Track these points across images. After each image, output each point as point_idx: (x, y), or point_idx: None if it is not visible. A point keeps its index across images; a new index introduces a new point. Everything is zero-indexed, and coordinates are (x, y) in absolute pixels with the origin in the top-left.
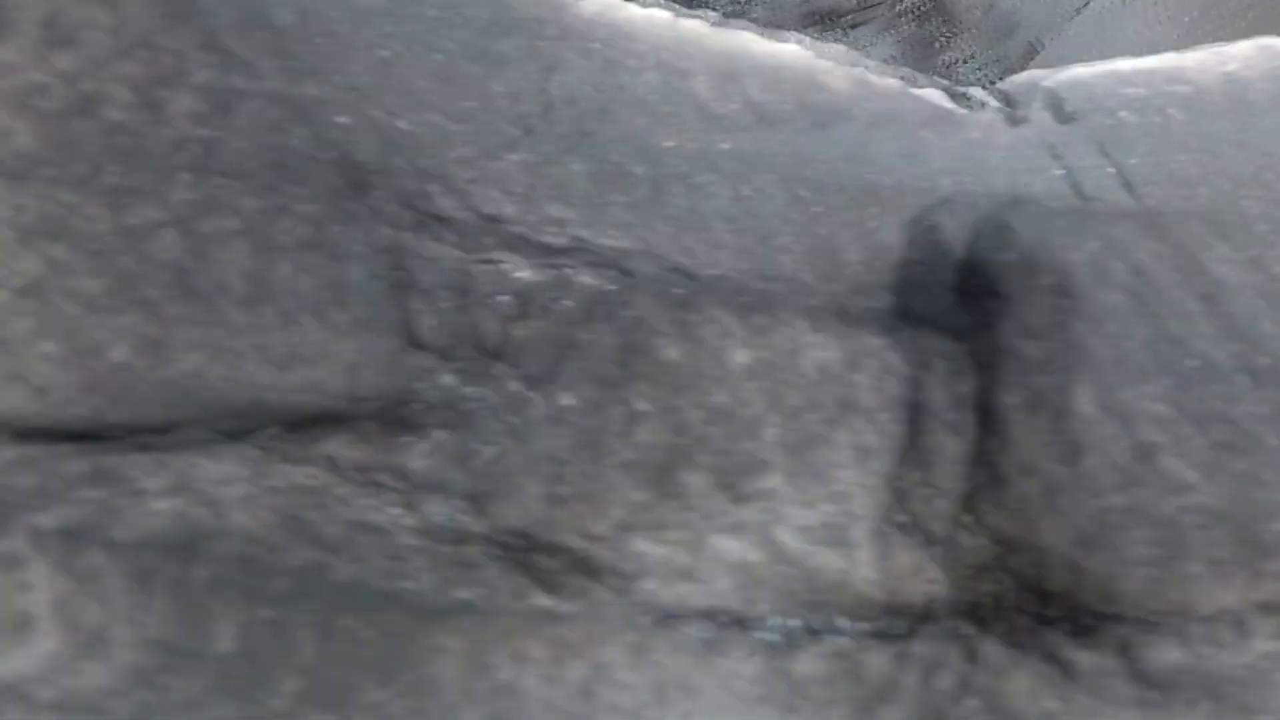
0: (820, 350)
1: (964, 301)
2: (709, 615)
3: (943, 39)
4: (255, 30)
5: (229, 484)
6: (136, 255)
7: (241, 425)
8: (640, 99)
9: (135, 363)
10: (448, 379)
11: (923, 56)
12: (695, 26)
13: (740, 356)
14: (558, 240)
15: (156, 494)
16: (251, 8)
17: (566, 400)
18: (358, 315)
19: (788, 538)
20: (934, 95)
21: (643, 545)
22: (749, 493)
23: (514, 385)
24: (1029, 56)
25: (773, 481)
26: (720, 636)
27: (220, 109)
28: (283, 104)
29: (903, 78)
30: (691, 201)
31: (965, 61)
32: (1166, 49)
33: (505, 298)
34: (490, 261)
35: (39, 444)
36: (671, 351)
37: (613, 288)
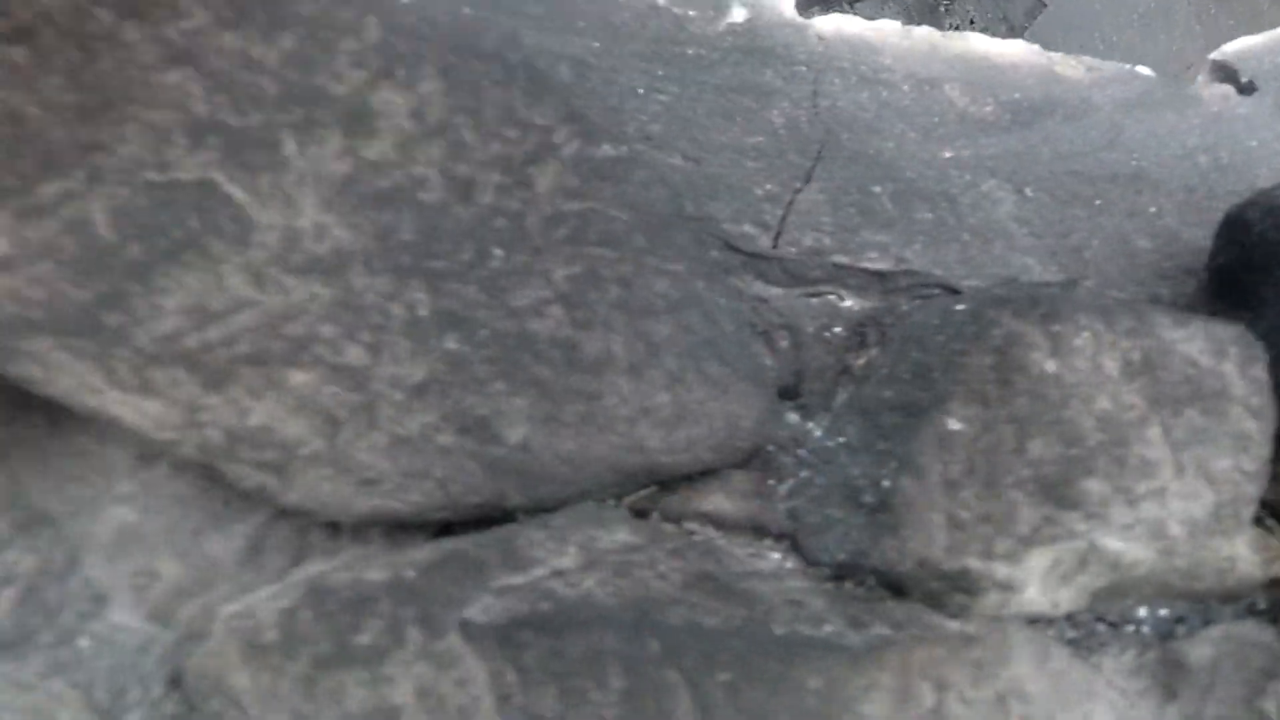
0: (1187, 344)
1: (1263, 279)
2: (1097, 616)
3: (946, 3)
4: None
5: (630, 551)
6: (525, 336)
7: (623, 491)
8: (904, 112)
9: (532, 442)
10: (794, 417)
11: (929, 24)
12: (926, 34)
13: (1112, 360)
14: (882, 265)
15: (573, 571)
16: (541, 72)
17: (953, 425)
18: (734, 367)
19: (1175, 531)
20: (1152, 73)
21: (1040, 558)
22: (1141, 493)
23: (866, 418)
24: (1032, 17)
25: (1162, 479)
26: (1104, 635)
27: (591, 178)
28: (636, 164)
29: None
30: (985, 211)
31: (969, 24)
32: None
33: (839, 329)
34: (818, 295)
35: (448, 538)
36: (1049, 364)
37: (961, 307)
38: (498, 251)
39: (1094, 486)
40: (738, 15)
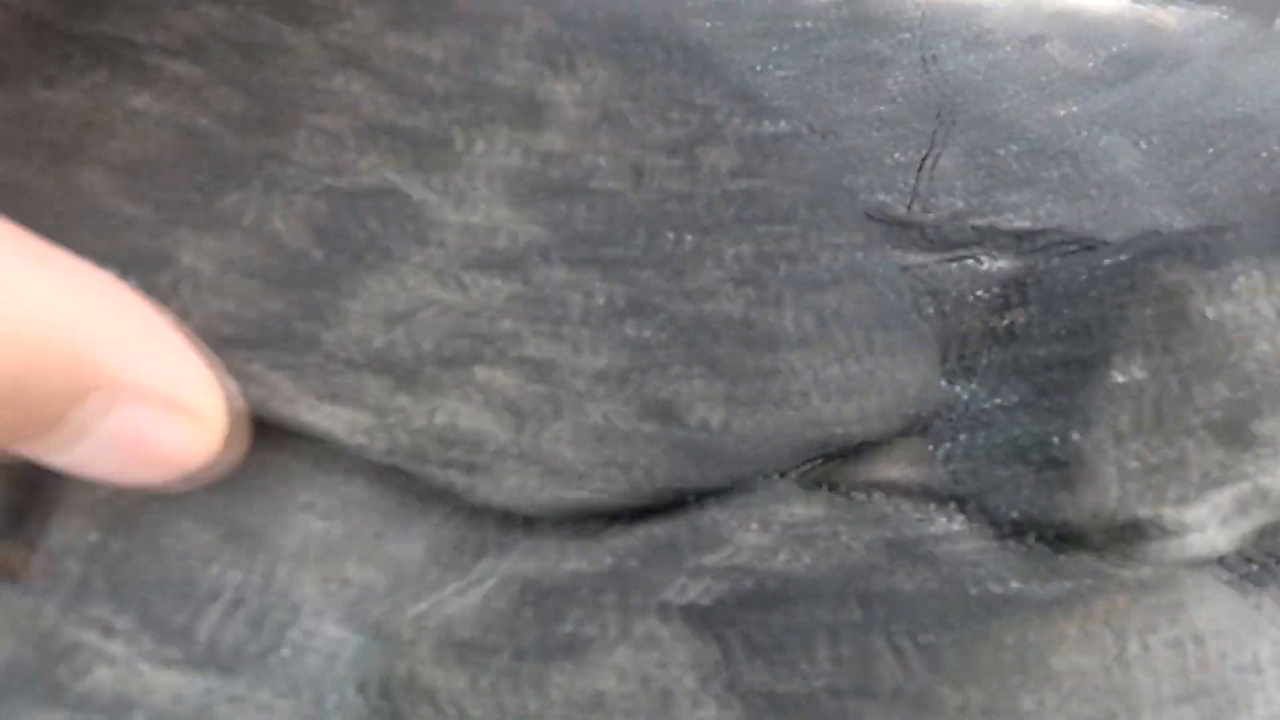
0: None
1: None
2: (1254, 556)
3: None
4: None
5: (810, 524)
6: (701, 318)
7: (797, 466)
8: (1013, 72)
9: (712, 422)
10: (944, 383)
11: None
12: None
13: (1269, 303)
14: (1020, 225)
15: (761, 548)
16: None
17: (1118, 378)
18: (898, 335)
19: None
20: (1243, 18)
21: (1209, 502)
22: None
23: (1022, 378)
24: None
25: None
26: (1261, 574)
27: (755, 155)
28: (796, 138)
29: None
30: (1108, 165)
31: None
32: None
33: (982, 292)
34: (959, 260)
35: (638, 524)
36: (1209, 311)
37: (1109, 261)
38: (670, 235)
39: (1262, 428)
40: None
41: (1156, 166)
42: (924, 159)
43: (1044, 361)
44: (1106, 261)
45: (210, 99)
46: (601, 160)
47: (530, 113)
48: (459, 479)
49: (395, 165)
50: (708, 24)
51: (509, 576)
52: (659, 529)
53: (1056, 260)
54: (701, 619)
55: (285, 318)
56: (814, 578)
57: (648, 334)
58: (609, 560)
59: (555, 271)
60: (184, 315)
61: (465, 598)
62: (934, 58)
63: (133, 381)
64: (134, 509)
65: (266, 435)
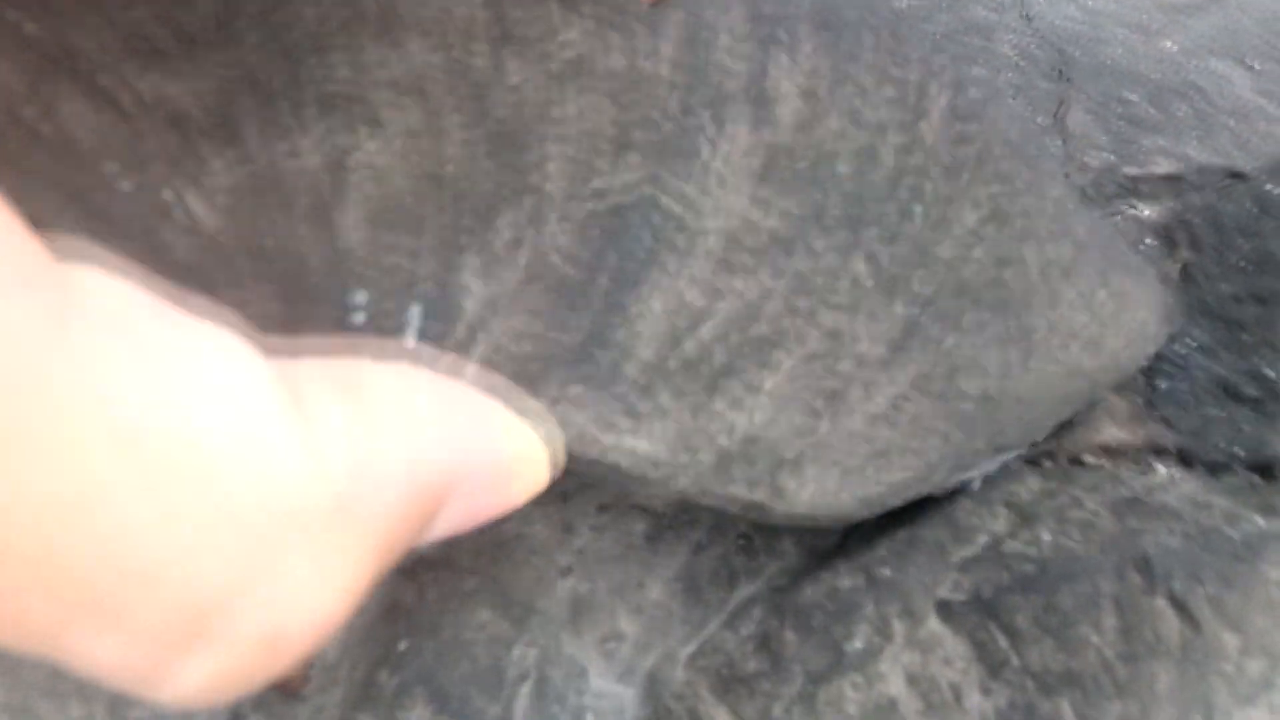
0: None
1: None
2: None
3: None
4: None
5: (1050, 497)
6: (959, 286)
7: (1065, 420)
8: (1112, 15)
9: (991, 390)
10: None
11: None
12: None
13: None
14: (1169, 168)
15: (1016, 530)
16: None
17: None
18: (1128, 275)
19: None
20: None
21: None
22: None
23: (1211, 317)
24: None
25: None
26: None
27: (970, 120)
28: (997, 101)
29: None
30: (1229, 91)
31: None
32: None
33: (1149, 240)
34: (1118, 212)
35: (899, 529)
36: None
37: (1277, 190)
38: (917, 209)
39: None
40: None
41: (1274, 84)
42: (1062, 118)
43: (1234, 297)
44: (1271, 189)
45: (446, 144)
46: (838, 145)
47: (763, 108)
48: (764, 495)
49: (651, 180)
50: (901, 3)
51: (777, 603)
52: (920, 530)
53: (1211, 194)
54: (984, 611)
55: (585, 346)
56: (1090, 552)
57: (917, 310)
58: (883, 570)
59: (821, 261)
60: (486, 363)
61: (735, 628)
62: (1033, 14)
63: (476, 471)
64: (433, 609)
65: (513, 513)
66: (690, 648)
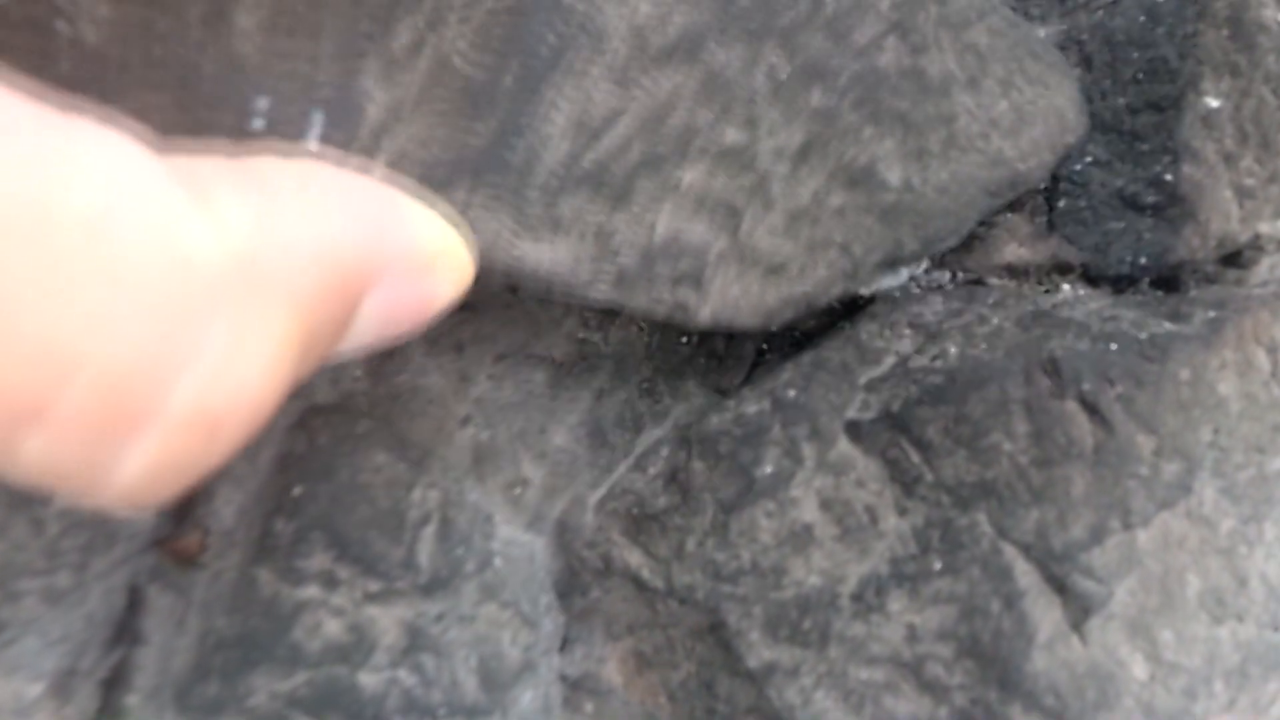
0: None
1: None
2: None
3: None
4: None
5: (956, 315)
6: (876, 73)
7: (992, 212)
8: None
9: (913, 180)
10: None
11: None
12: None
13: None
14: None
15: (925, 348)
16: None
17: (1211, 103)
18: (1044, 62)
19: None
20: None
21: None
22: None
23: (1108, 131)
24: None
25: None
26: None
27: None
28: None
29: None
30: None
31: None
32: None
33: None
34: None
35: (805, 352)
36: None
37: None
38: None
39: None
40: None
41: None
42: None
43: (1129, 108)
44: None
45: None
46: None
47: None
48: (688, 296)
49: None
50: None
51: (685, 438)
52: (825, 353)
53: (1101, 12)
54: (894, 427)
55: (493, 149)
56: (997, 359)
57: (834, 100)
58: (788, 392)
59: (733, 52)
60: (391, 168)
61: (643, 468)
62: None
63: (393, 261)
64: (326, 454)
65: (408, 363)
66: (599, 491)
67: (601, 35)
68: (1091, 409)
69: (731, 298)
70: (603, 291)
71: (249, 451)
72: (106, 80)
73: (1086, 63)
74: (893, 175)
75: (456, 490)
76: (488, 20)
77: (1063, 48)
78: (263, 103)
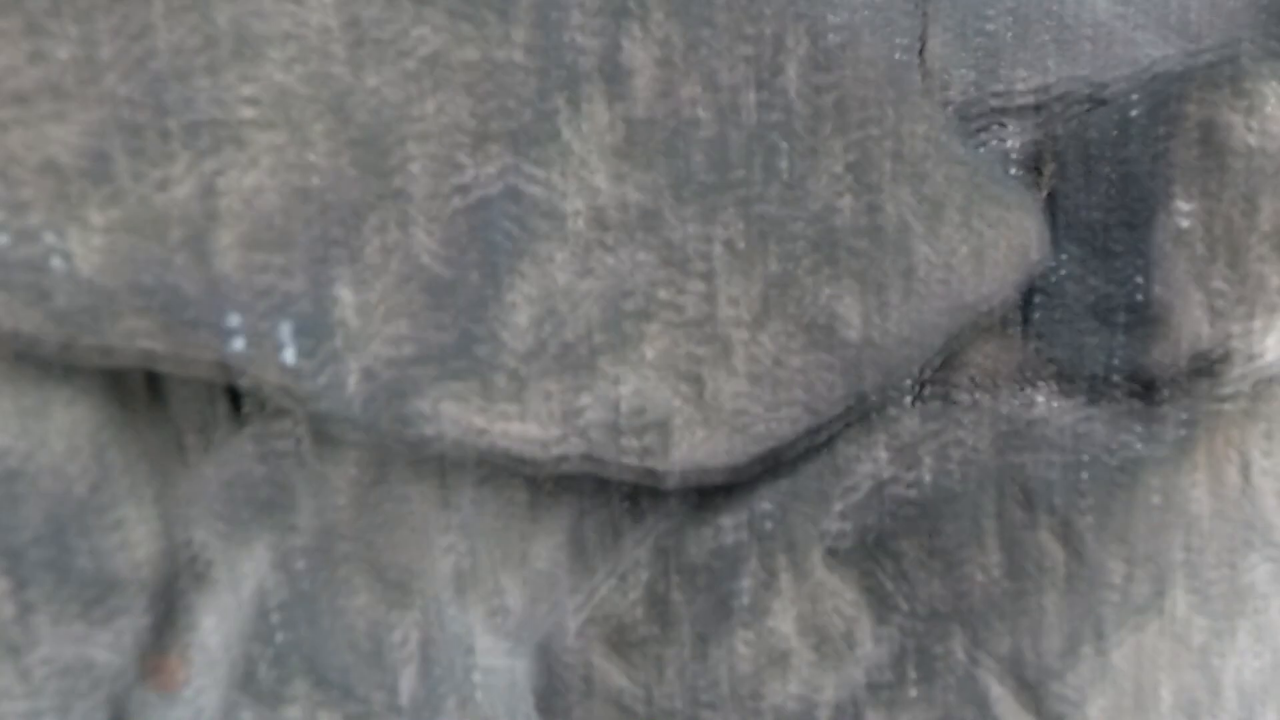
0: None
1: None
2: None
3: None
4: None
5: (931, 436)
6: (831, 232)
7: (952, 348)
8: None
9: (873, 330)
10: None
11: None
12: None
13: None
14: (1032, 94)
15: (898, 470)
16: None
17: (1182, 220)
18: (1002, 200)
19: None
20: None
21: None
22: None
23: (1080, 240)
24: None
25: None
26: None
27: (831, 66)
28: (859, 41)
29: None
30: (1087, 10)
31: None
32: None
33: (1013, 166)
34: (983, 141)
35: (779, 476)
36: (1250, 137)
37: (1136, 111)
38: (782, 163)
39: None
40: None
41: (1130, 2)
42: (923, 47)
43: (1100, 221)
44: (1133, 113)
45: (314, 158)
46: (698, 109)
47: (618, 81)
48: (654, 462)
49: (514, 168)
50: None
51: (662, 556)
52: (801, 479)
53: (1075, 121)
54: (870, 554)
55: (461, 344)
56: (970, 485)
57: (790, 263)
58: (766, 523)
59: (690, 226)
60: (364, 373)
61: (624, 591)
62: None
63: None
64: (309, 598)
65: (389, 489)
66: (581, 614)
67: (563, 220)
68: (1063, 534)
69: (699, 458)
70: (572, 464)
71: (232, 582)
72: (99, 310)
73: (1061, 169)
74: (853, 330)
75: (438, 622)
76: (453, 216)
77: (1038, 154)
78: (235, 319)
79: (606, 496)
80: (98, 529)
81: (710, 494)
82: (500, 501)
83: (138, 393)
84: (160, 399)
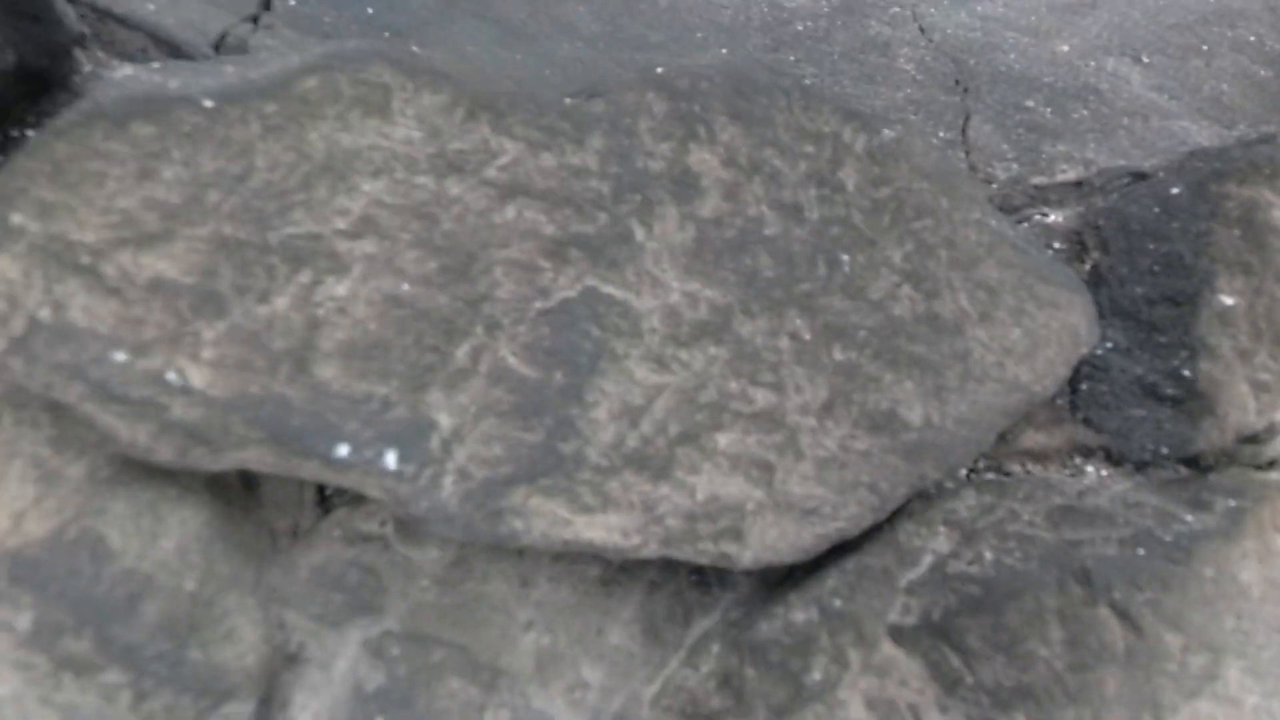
0: None
1: None
2: None
3: None
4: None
5: (988, 512)
6: (892, 323)
7: (1007, 430)
8: (1003, 19)
9: (933, 417)
10: None
11: None
12: None
13: None
14: (1073, 174)
15: (959, 549)
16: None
17: (1226, 300)
18: (1055, 284)
19: None
20: None
21: None
22: None
23: (1127, 319)
24: None
25: None
26: None
27: (887, 161)
28: (912, 135)
29: None
30: (1124, 90)
31: None
32: None
33: (1057, 244)
34: (1026, 219)
35: (845, 557)
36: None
37: (1177, 190)
38: (844, 256)
39: None
40: None
41: (1165, 77)
42: (964, 131)
43: (1146, 299)
44: (1173, 190)
45: (404, 266)
46: (764, 208)
47: (688, 185)
48: (730, 548)
49: (591, 271)
50: (724, 49)
51: (734, 638)
52: (867, 558)
53: (1116, 197)
54: (935, 633)
55: (547, 443)
56: (1031, 568)
57: (854, 354)
58: (834, 601)
59: (759, 322)
60: (459, 474)
61: (696, 667)
62: (927, 25)
63: None
64: (405, 684)
65: (470, 569)
66: (653, 688)
67: (639, 319)
68: (1122, 614)
69: (769, 542)
70: (651, 551)
71: (324, 664)
72: (212, 421)
73: (1103, 246)
74: (914, 415)
75: (523, 703)
76: (538, 320)
77: (1080, 232)
78: (339, 428)
79: (674, 571)
80: (206, 622)
81: (774, 572)
82: (574, 578)
83: (233, 485)
84: (251, 488)
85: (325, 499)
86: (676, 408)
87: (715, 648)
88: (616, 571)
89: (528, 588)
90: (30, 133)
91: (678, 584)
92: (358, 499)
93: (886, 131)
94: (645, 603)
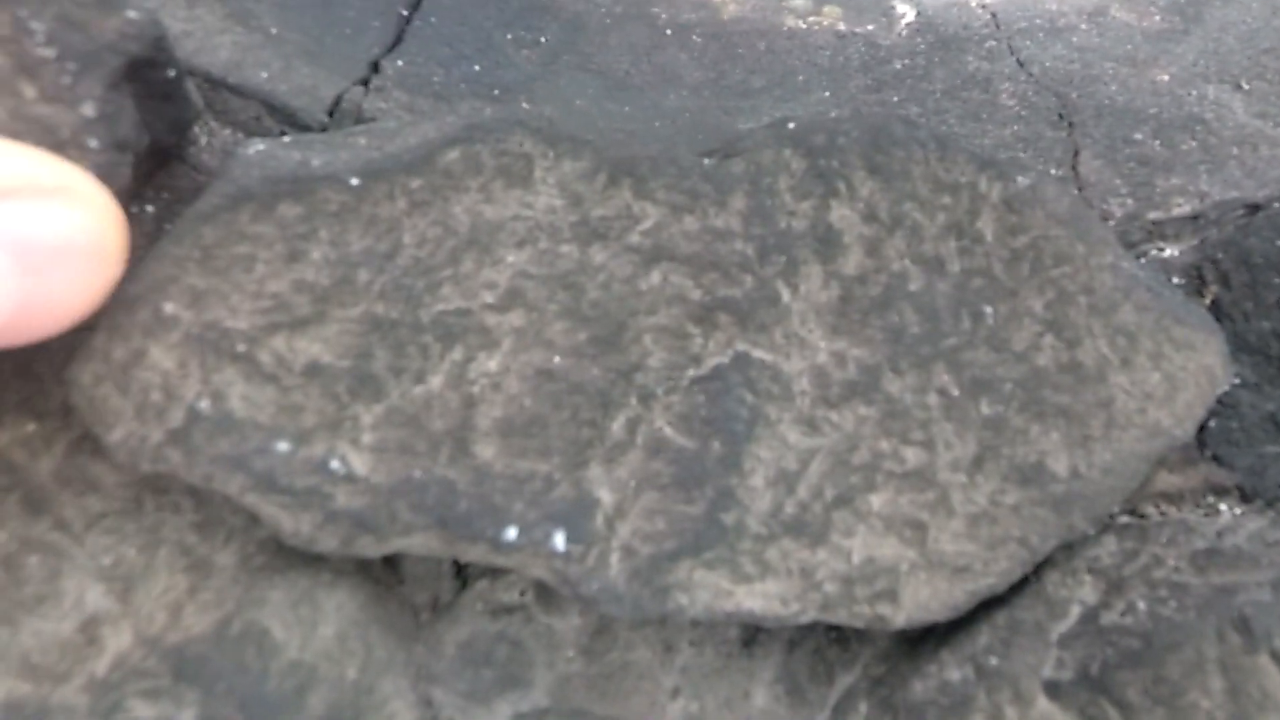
0: None
1: None
2: None
3: None
4: None
5: (1132, 558)
6: (1036, 374)
7: (1150, 476)
8: (1099, 49)
9: (1079, 467)
10: None
11: None
12: None
13: None
14: (1189, 207)
15: (1107, 598)
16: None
17: None
18: (1190, 325)
19: None
20: None
21: None
22: None
23: (1256, 353)
24: None
25: None
26: None
27: (1024, 208)
28: (1045, 182)
29: None
30: (1228, 118)
31: None
32: None
33: (1175, 279)
34: (1143, 254)
35: (992, 611)
36: None
37: None
38: (987, 308)
39: None
40: (908, 13)
41: (1267, 103)
42: (1074, 167)
43: (1272, 333)
44: None
45: (553, 338)
46: (906, 263)
47: (831, 243)
48: (885, 610)
49: (741, 335)
50: (826, 93)
51: (884, 697)
52: (1017, 612)
53: (1232, 229)
54: (1093, 687)
55: (709, 515)
56: (1188, 618)
57: (1000, 407)
58: (989, 659)
59: (907, 379)
60: (624, 551)
61: None
62: (1024, 58)
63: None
64: None
65: (614, 638)
66: None
67: (789, 382)
68: (1276, 657)
69: (922, 601)
70: (809, 617)
71: None
72: (377, 508)
73: (1223, 281)
74: (1061, 466)
75: None
76: (691, 388)
77: (1199, 267)
78: (505, 509)
79: (812, 628)
80: (369, 709)
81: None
82: (716, 640)
83: (376, 562)
84: (392, 564)
85: (462, 569)
86: (830, 471)
87: (863, 706)
88: (755, 630)
89: (671, 653)
90: (150, 208)
91: (816, 640)
92: (495, 570)
93: (1021, 179)
94: (787, 662)
